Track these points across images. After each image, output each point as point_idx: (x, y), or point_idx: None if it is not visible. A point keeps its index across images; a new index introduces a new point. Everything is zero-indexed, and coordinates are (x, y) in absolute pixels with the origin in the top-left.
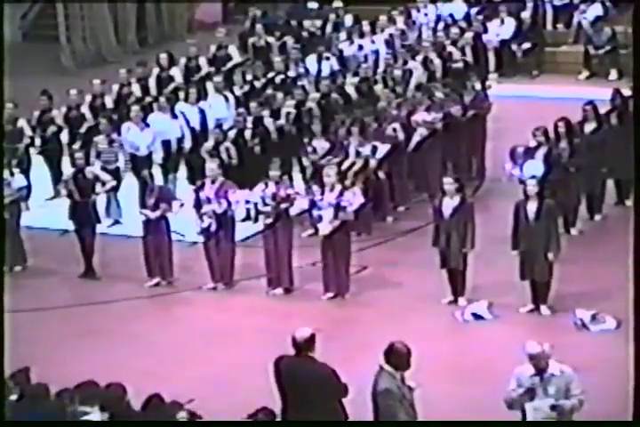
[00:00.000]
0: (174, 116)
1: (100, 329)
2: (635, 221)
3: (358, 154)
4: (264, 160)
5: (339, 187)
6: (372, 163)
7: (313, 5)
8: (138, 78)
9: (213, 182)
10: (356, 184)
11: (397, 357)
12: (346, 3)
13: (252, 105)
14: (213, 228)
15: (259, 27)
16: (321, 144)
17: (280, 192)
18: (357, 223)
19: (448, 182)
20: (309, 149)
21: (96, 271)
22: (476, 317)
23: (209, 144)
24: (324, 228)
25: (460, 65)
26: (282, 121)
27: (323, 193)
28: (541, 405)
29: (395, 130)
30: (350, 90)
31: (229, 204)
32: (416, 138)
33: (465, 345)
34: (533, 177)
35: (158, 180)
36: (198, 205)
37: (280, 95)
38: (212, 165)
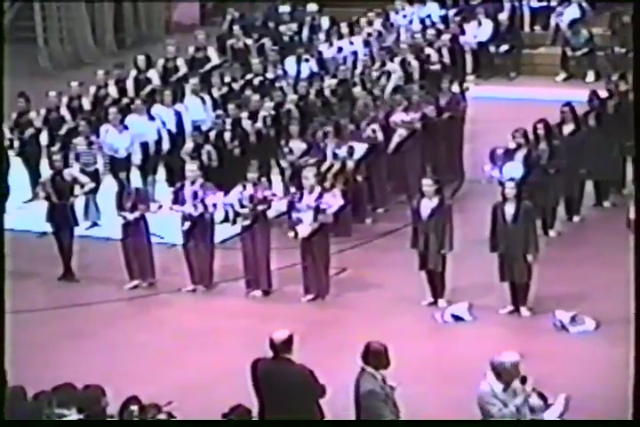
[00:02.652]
0: (151, 118)
1: (78, 331)
2: (635, 222)
3: (335, 156)
4: (243, 162)
5: (318, 189)
6: (350, 164)
7: (285, 9)
8: (115, 80)
9: (193, 184)
10: (335, 186)
11: (375, 356)
12: (322, 4)
13: (230, 107)
14: (186, 227)
15: (236, 29)
16: (297, 145)
17: (257, 194)
18: (336, 225)
19: (427, 184)
20: (286, 149)
21: (75, 274)
22: (456, 318)
23: (189, 146)
24: (304, 230)
25: (438, 67)
26: (260, 123)
27: (302, 195)
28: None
29: (374, 131)
30: (328, 92)
31: (206, 206)
32: (396, 139)
33: (445, 347)
34: (512, 179)
35: (137, 182)
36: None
37: (258, 97)
38: (192, 167)
